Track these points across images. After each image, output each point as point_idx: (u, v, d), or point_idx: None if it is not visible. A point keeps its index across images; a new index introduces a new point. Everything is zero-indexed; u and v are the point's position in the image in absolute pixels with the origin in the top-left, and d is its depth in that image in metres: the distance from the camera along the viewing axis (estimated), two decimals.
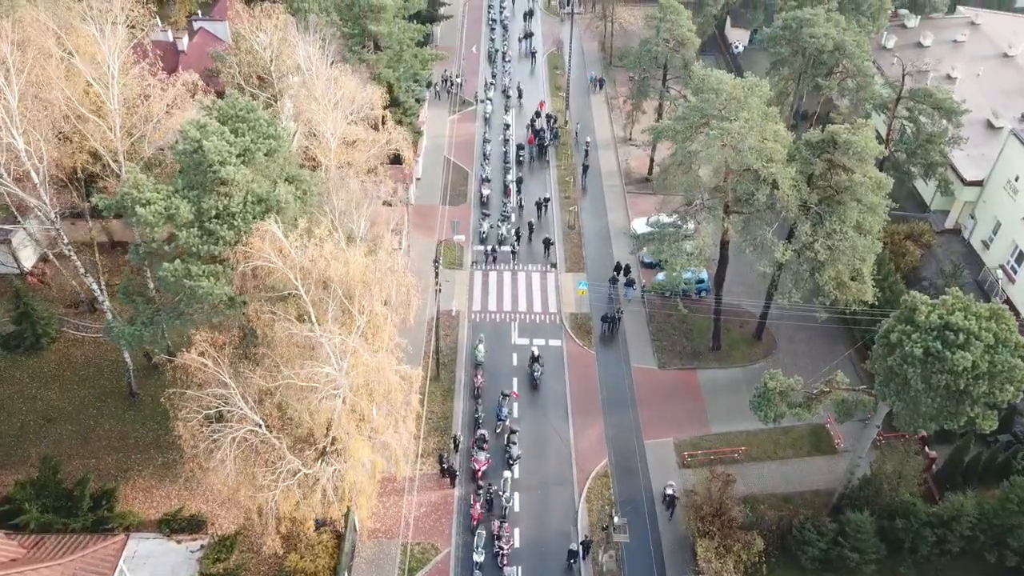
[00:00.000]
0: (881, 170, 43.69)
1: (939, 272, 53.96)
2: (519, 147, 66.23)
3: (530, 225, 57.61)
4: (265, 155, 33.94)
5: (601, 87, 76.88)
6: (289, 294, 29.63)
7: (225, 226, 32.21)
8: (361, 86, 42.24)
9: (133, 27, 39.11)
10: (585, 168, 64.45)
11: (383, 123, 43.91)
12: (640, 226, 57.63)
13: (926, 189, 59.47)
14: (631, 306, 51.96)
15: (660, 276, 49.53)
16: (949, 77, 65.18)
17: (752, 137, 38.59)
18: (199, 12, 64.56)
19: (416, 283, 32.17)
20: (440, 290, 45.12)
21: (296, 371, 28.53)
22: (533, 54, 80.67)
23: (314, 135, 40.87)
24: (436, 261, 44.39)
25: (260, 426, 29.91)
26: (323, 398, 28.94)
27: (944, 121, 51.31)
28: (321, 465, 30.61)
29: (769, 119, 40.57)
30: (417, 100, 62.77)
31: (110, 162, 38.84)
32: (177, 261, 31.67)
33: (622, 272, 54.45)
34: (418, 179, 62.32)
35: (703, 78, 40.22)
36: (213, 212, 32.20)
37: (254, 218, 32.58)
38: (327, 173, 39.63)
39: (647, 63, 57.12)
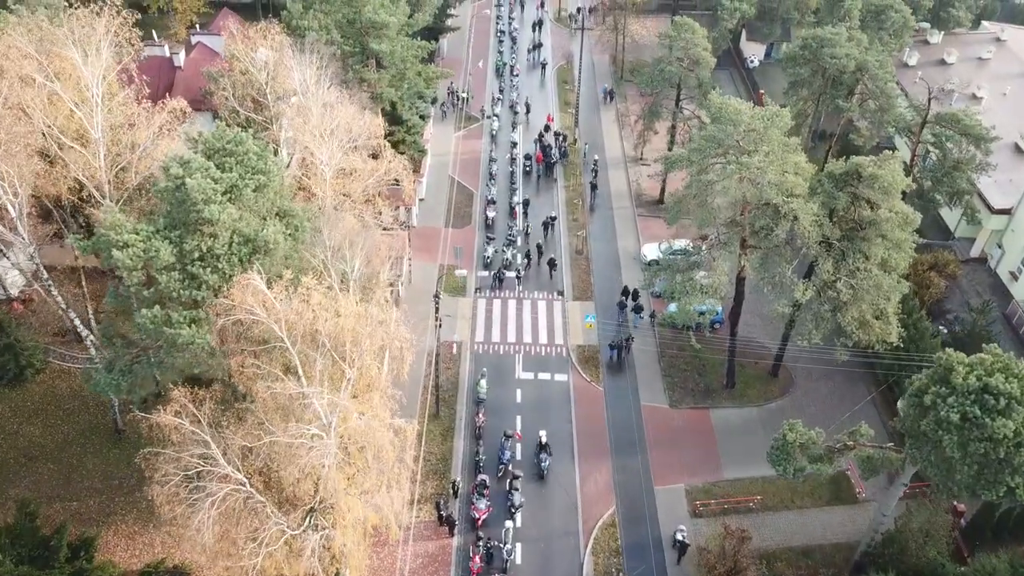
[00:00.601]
0: (903, 197, 41.36)
1: (965, 305, 51.52)
2: (526, 157, 64.58)
3: (538, 247, 55.46)
4: (254, 191, 31.91)
5: (612, 99, 74.71)
6: (275, 346, 27.59)
7: (209, 269, 30.19)
8: (359, 113, 40.13)
9: (120, 47, 37.18)
10: (594, 187, 62.30)
11: (382, 151, 41.75)
12: (651, 252, 55.52)
13: (950, 215, 57.01)
14: (640, 334, 49.75)
15: (672, 307, 47.37)
16: (975, 97, 62.73)
17: (772, 171, 36.32)
18: (197, 26, 62.52)
19: (410, 338, 30.01)
20: (440, 324, 43.00)
21: (281, 430, 26.50)
22: (543, 65, 78.51)
23: (309, 165, 38.80)
24: (436, 295, 42.22)
25: (244, 484, 27.90)
26: (310, 459, 26.89)
27: (972, 148, 48.88)
28: (308, 526, 28.57)
29: (790, 150, 38.28)
30: (422, 117, 60.73)
31: (95, 192, 36.91)
32: (156, 307, 29.65)
33: (630, 297, 52.45)
34: (421, 200, 60.24)
35: (720, 107, 37.95)
36: (196, 254, 30.17)
37: (240, 260, 30.57)
38: (322, 204, 37.58)
39: (659, 83, 54.86)
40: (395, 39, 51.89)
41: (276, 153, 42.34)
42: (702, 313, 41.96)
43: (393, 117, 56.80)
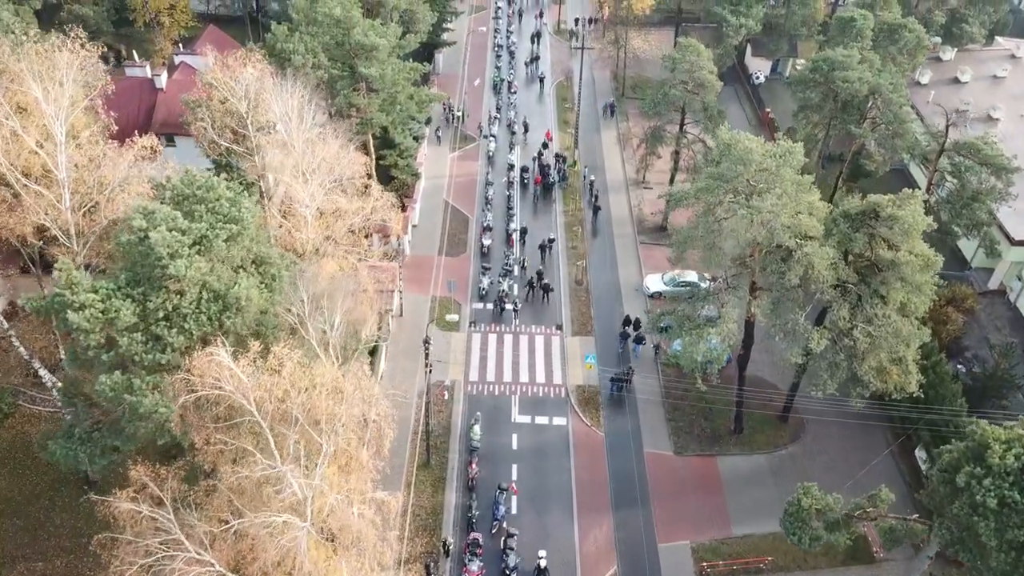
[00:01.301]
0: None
1: (984, 340, 49.04)
2: (524, 169, 63.12)
3: (539, 274, 52.89)
4: (226, 241, 29.48)
5: (613, 114, 72.40)
6: (244, 420, 25.15)
7: (175, 330, 27.76)
8: (344, 150, 37.67)
9: (87, 82, 34.78)
10: (596, 210, 59.91)
11: (369, 188, 39.32)
12: (654, 283, 53.15)
13: (967, 244, 54.48)
14: (642, 369, 47.33)
15: (677, 345, 44.87)
16: (990, 118, 60.31)
17: (785, 215, 33.87)
18: (180, 45, 60.06)
19: (390, 413, 27.55)
20: (431, 370, 40.57)
21: (252, 514, 24.09)
22: (541, 79, 76.05)
23: (289, 206, 36.36)
24: (426, 341, 39.78)
25: (213, 565, 25.47)
26: (285, 542, 24.48)
27: (992, 178, 46.41)
28: None
29: (803, 189, 35.83)
30: (415, 138, 58.37)
31: (60, 235, 34.50)
32: (117, 372, 27.21)
33: (632, 326, 50.07)
34: (414, 226, 57.81)
35: (729, 144, 35.46)
36: (161, 313, 27.74)
37: (209, 319, 28.13)
38: (303, 247, 35.13)
39: (663, 107, 52.39)
40: (386, 62, 49.43)
41: (256, 185, 39.93)
42: (709, 362, 39.47)
43: (385, 140, 54.47)
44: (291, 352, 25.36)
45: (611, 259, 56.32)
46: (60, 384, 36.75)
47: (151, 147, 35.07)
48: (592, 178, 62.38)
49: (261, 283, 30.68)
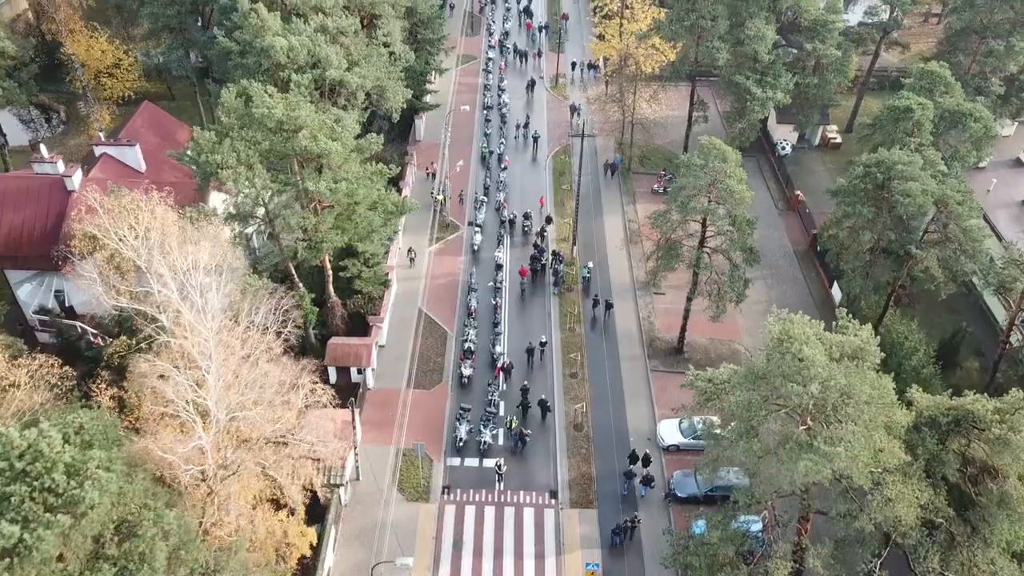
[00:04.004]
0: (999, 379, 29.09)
1: None
2: (525, 216, 57.82)
3: (525, 391, 44.97)
4: (59, 535, 20.16)
5: (614, 174, 63.65)
6: None
7: None
8: (274, 364, 28.29)
9: None
10: (608, 306, 51.01)
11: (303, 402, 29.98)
12: (670, 433, 43.98)
13: None
14: (651, 516, 39.20)
15: (698, 527, 35.28)
16: None
17: (864, 455, 24.48)
18: (101, 135, 50.56)
19: None
20: None
21: None
22: (536, 139, 66.71)
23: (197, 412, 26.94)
24: (376, 564, 30.42)
25: None
26: None
27: None
28: None
29: (884, 403, 26.38)
30: (390, 238, 49.30)
31: None
32: None
33: (640, 463, 41.84)
34: (381, 347, 48.41)
35: (782, 338, 25.89)
36: None
37: None
38: (203, 505, 25.66)
39: (678, 225, 42.98)
40: (340, 169, 40.12)
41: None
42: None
43: (347, 249, 45.21)
44: None
45: (617, 391, 46.87)
46: None
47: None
48: (590, 263, 54.31)
49: None
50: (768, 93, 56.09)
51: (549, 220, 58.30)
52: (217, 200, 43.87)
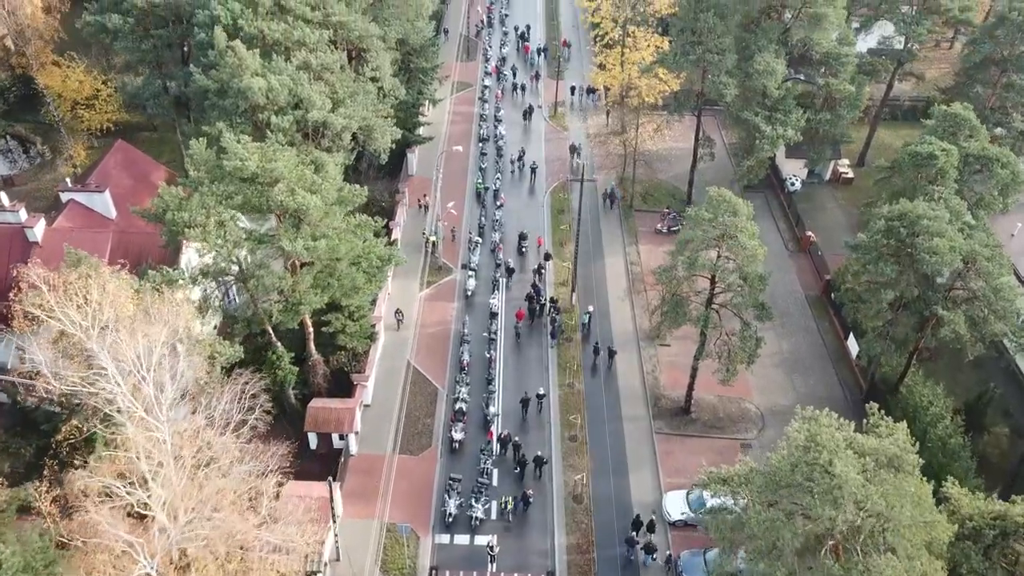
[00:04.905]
0: None
1: None
2: (521, 236, 56.27)
3: (516, 447, 42.36)
4: None
5: (612, 204, 60.70)
6: None
7: None
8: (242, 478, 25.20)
9: None
10: (612, 353, 48.02)
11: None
12: (676, 506, 40.80)
13: None
14: None
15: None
16: None
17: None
18: (68, 180, 47.47)
19: None
20: None
21: None
22: (533, 170, 63.70)
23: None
24: None
25: None
26: None
27: None
28: None
29: (927, 524, 23.21)
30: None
31: None
32: None
33: (643, 530, 39.07)
34: (367, 406, 45.24)
35: (806, 452, 22.70)
36: None
37: None
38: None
39: (684, 282, 39.93)
40: (321, 223, 37.08)
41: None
42: None
43: (329, 304, 42.08)
44: None
45: (620, 457, 43.64)
46: None
47: None
48: (591, 307, 51.42)
49: None
50: (779, 130, 53.10)
51: (548, 256, 55.41)
52: (193, 250, 40.83)
